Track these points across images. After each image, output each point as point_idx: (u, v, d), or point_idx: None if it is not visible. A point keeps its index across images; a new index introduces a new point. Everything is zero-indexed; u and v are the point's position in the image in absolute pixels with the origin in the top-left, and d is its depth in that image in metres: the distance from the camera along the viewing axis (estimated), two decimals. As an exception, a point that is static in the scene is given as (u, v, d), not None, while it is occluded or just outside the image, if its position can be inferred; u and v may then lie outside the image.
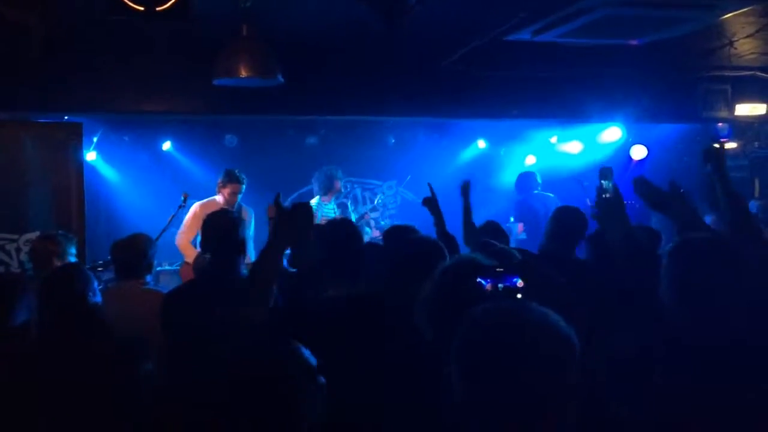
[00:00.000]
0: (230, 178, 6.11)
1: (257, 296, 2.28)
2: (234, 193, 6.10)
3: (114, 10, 3.38)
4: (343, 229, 2.99)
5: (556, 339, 1.35)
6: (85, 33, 5.01)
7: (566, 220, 3.76)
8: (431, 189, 4.15)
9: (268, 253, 2.35)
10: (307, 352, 1.81)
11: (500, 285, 1.69)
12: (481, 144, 8.62)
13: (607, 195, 2.72)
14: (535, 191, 7.30)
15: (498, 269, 1.73)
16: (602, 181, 2.85)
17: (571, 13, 4.23)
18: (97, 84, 5.45)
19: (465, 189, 4.43)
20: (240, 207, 5.98)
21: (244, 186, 6.14)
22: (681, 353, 2.12)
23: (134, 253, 3.70)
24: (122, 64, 5.48)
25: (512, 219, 7.14)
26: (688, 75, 6.65)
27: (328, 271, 2.79)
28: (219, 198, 6.19)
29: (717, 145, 3.16)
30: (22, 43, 5.01)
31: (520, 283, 1.66)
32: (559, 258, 3.54)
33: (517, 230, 6.94)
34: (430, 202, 4.11)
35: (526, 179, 7.44)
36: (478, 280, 1.67)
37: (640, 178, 3.16)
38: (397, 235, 3.65)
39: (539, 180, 7.40)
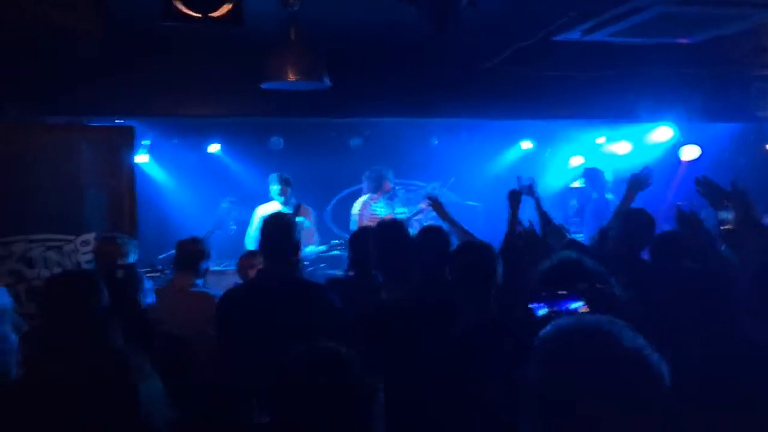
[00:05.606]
0: (271, 180, 6.69)
1: None
2: (277, 194, 6.61)
3: (169, 16, 3.43)
4: (391, 231, 2.99)
5: (644, 379, 1.21)
6: (136, 38, 5.12)
7: (637, 223, 3.71)
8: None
9: None
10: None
11: (556, 311, 1.54)
12: (526, 145, 8.51)
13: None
14: (606, 193, 7.15)
15: (560, 292, 1.61)
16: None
17: (624, 12, 4.15)
18: (147, 88, 5.55)
19: (516, 195, 4.19)
20: (299, 205, 6.31)
21: (278, 186, 6.60)
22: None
23: (196, 253, 4.03)
24: (171, 68, 5.58)
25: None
26: (740, 73, 6.48)
27: (380, 273, 2.81)
28: (275, 202, 6.65)
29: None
30: (76, 49, 5.13)
31: (583, 308, 1.53)
32: (628, 261, 3.49)
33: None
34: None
35: (598, 177, 7.22)
36: (530, 305, 1.55)
37: (702, 177, 3.12)
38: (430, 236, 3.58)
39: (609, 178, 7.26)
